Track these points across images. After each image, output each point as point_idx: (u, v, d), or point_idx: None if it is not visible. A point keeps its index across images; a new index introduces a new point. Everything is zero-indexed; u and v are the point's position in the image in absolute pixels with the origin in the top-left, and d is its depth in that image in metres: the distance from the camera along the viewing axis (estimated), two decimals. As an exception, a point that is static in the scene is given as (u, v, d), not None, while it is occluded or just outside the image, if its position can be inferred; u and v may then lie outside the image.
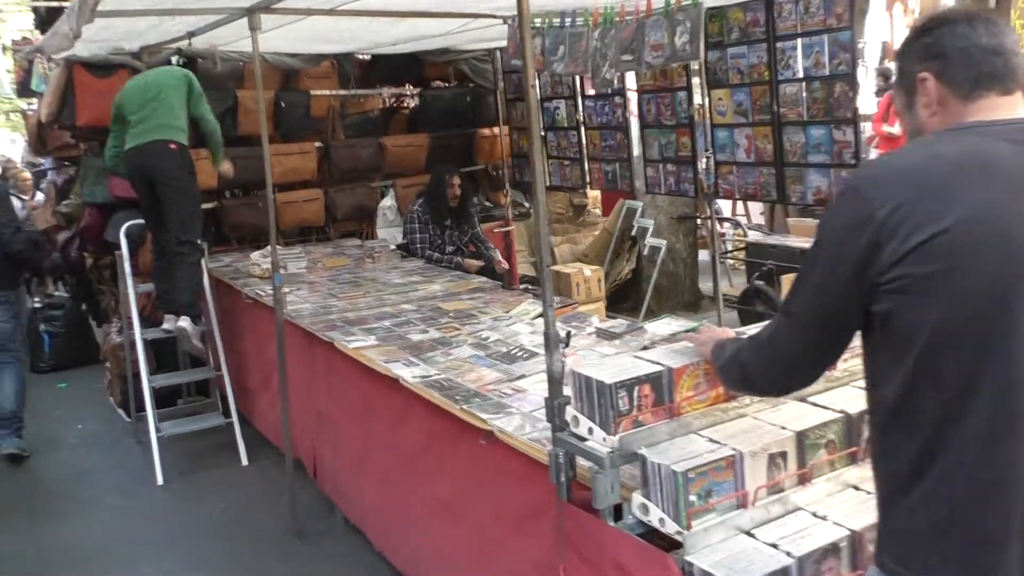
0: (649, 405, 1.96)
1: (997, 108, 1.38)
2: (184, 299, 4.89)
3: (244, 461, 4.88)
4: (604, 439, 1.94)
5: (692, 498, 1.80)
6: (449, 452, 2.91)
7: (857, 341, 1.44)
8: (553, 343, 2.16)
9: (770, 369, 1.58)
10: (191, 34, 4.71)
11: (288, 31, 4.68)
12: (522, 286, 5.55)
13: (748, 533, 1.82)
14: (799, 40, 4.28)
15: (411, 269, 5.35)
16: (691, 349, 2.07)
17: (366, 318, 4.08)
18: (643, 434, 1.93)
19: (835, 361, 1.52)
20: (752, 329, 2.02)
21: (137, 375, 5.04)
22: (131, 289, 5.05)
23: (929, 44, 1.42)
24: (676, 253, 7.56)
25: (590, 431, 1.98)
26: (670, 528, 1.82)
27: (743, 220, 8.91)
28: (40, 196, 8.30)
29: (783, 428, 1.97)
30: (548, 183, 6.33)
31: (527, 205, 7.38)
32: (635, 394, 1.94)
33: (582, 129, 6.02)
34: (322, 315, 4.20)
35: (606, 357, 2.38)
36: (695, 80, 5.11)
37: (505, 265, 6.09)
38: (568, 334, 3.09)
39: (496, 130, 6.87)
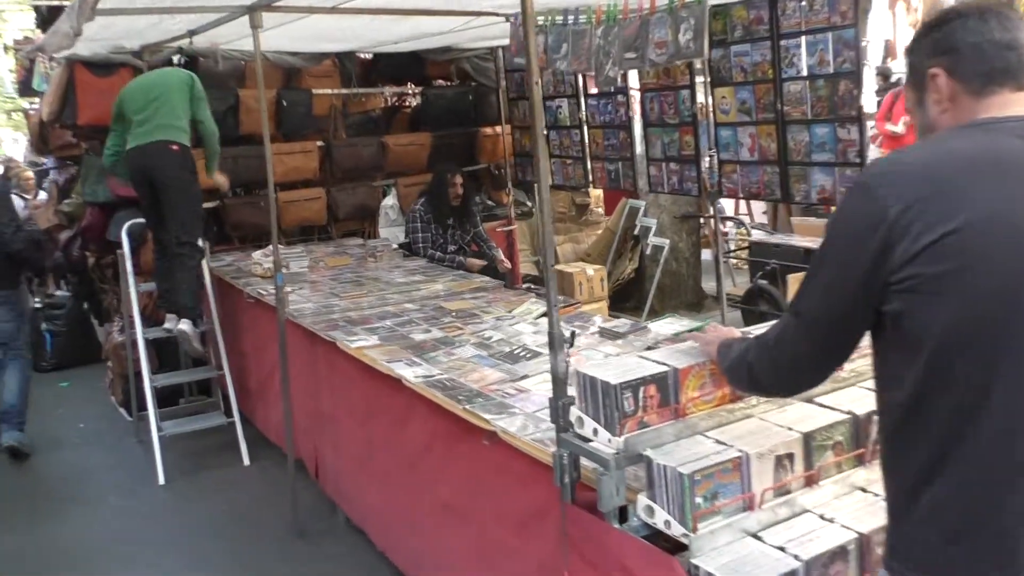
0: (655, 406, 1.94)
1: (1010, 104, 1.36)
2: (185, 301, 4.87)
3: (246, 461, 4.88)
4: (609, 440, 1.92)
5: (698, 500, 1.78)
6: (452, 452, 2.89)
7: (866, 342, 1.42)
8: (558, 343, 2.14)
9: (777, 369, 1.56)
10: (192, 33, 4.70)
11: (289, 29, 4.66)
12: (525, 285, 5.52)
13: (755, 536, 1.81)
14: (803, 38, 4.24)
15: (413, 268, 5.33)
16: (697, 349, 2.05)
17: (368, 318, 4.07)
18: (649, 435, 1.91)
19: (844, 362, 1.50)
20: (758, 329, 2.00)
21: (139, 374, 5.04)
22: (133, 288, 5.05)
23: (940, 39, 1.40)
24: (679, 252, 7.55)
25: (595, 432, 1.96)
26: (676, 531, 1.80)
27: (746, 219, 8.89)
28: (43, 195, 8.30)
29: (790, 429, 1.95)
30: (551, 182, 6.31)
31: (529, 204, 7.37)
32: (640, 395, 1.92)
33: (585, 128, 5.98)
34: (324, 314, 4.19)
35: (610, 357, 2.36)
36: (698, 78, 5.08)
37: (508, 264, 6.07)
38: (573, 334, 3.07)
39: (498, 129, 6.84)
